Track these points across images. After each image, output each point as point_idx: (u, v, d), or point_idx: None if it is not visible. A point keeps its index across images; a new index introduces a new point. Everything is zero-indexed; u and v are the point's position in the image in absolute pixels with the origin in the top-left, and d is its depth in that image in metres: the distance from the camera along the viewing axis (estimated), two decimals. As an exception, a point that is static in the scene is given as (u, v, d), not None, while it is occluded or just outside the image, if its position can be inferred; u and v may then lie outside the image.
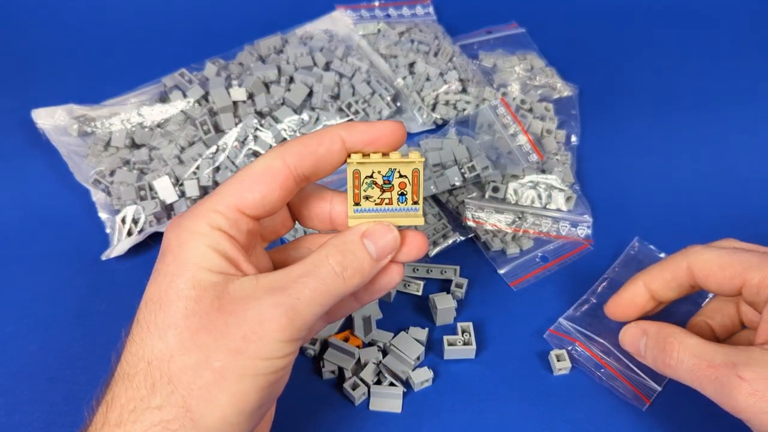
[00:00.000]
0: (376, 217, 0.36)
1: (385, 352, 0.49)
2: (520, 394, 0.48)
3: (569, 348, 0.49)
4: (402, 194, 0.36)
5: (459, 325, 0.50)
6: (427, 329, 0.50)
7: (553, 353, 0.48)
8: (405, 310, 0.53)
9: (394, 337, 0.49)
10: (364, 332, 0.50)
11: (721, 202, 0.61)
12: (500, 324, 0.52)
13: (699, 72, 0.75)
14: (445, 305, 0.51)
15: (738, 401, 0.31)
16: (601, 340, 0.49)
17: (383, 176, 0.36)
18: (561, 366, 0.48)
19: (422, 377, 0.47)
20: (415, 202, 0.37)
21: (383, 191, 0.36)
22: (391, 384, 0.47)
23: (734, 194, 0.62)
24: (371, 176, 0.36)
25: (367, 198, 0.36)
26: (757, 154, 0.66)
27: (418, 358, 0.48)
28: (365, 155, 0.35)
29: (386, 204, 0.36)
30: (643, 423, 0.46)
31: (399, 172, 0.36)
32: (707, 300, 0.50)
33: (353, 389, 0.46)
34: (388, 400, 0.46)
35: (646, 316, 0.46)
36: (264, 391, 0.31)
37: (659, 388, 0.46)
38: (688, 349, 0.36)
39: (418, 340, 0.49)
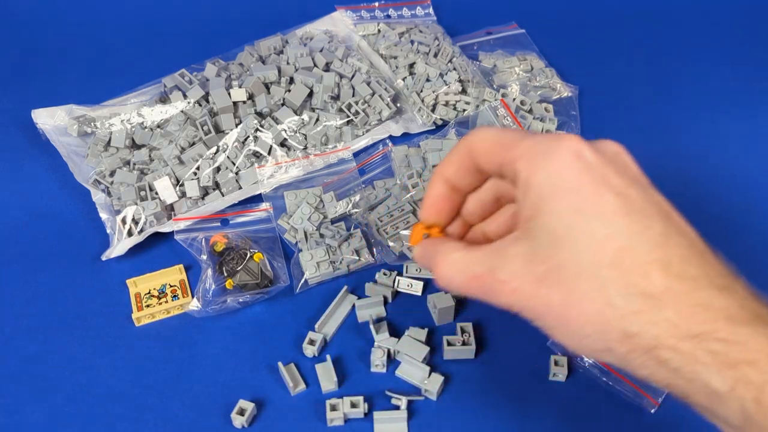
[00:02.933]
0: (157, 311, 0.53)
1: (388, 354, 0.49)
2: (520, 395, 0.48)
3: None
4: (174, 296, 0.54)
5: (459, 325, 0.50)
6: (426, 329, 0.50)
7: (553, 358, 0.48)
8: (405, 310, 0.53)
9: (398, 342, 0.49)
10: (375, 332, 0.50)
11: (720, 202, 0.61)
12: (500, 324, 0.52)
13: (699, 72, 0.75)
14: (444, 305, 0.51)
15: (506, 301, 0.33)
16: None
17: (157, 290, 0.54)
18: (557, 371, 0.48)
19: (436, 383, 0.47)
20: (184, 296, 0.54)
21: (159, 298, 0.53)
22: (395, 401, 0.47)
23: (734, 194, 0.62)
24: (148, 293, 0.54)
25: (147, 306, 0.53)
26: (757, 155, 0.66)
27: (424, 359, 0.48)
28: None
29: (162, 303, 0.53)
30: (650, 428, 0.46)
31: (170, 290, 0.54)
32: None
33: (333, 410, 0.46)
34: (393, 425, 0.46)
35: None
36: None
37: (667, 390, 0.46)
38: (453, 265, 0.36)
39: (418, 340, 0.49)
